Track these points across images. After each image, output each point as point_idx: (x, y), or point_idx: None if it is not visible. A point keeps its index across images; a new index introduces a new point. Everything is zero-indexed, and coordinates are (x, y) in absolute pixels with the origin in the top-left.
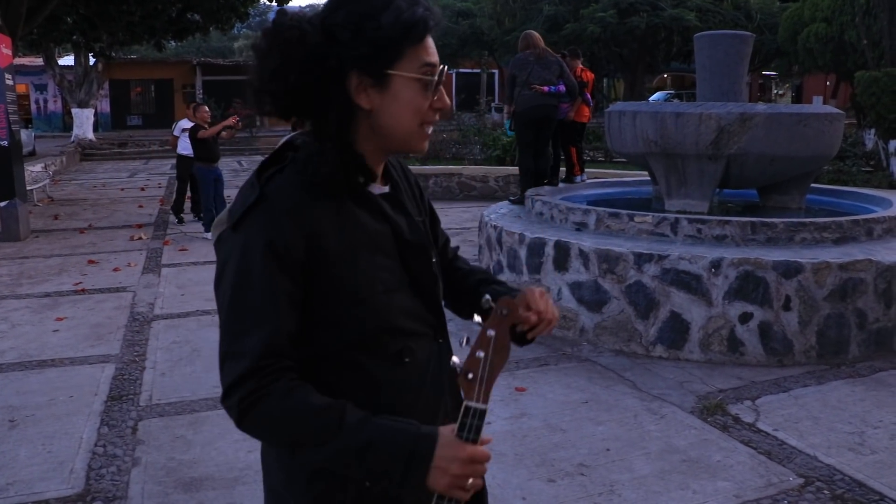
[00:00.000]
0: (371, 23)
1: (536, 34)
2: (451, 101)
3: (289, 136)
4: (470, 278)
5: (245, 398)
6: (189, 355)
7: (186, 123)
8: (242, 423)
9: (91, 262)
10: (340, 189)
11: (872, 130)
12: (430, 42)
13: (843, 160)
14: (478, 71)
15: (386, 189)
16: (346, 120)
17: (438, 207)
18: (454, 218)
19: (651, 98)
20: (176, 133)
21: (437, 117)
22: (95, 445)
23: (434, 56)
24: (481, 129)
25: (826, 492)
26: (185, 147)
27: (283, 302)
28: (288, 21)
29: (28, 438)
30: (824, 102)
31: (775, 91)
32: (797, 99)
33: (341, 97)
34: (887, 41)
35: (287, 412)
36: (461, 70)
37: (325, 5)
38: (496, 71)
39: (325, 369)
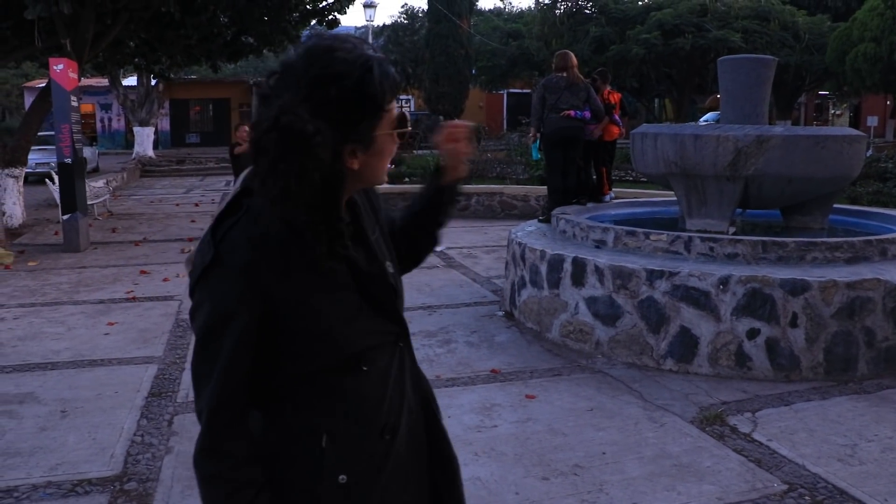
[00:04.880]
0: (363, 96)
1: (573, 56)
2: (503, 119)
3: (244, 177)
4: (407, 213)
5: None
6: None
7: None
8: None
9: (143, 272)
10: (326, 258)
11: None
12: None
13: (884, 181)
14: (528, 91)
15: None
16: (340, 187)
17: (479, 226)
18: (493, 236)
19: (702, 119)
20: None
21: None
22: (134, 435)
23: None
24: (525, 150)
25: (807, 497)
26: None
27: (239, 352)
28: (291, 121)
29: (76, 427)
30: (881, 122)
31: (833, 111)
32: (854, 119)
33: (339, 169)
34: None
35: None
36: (511, 90)
37: (309, 82)
38: None
39: (296, 387)
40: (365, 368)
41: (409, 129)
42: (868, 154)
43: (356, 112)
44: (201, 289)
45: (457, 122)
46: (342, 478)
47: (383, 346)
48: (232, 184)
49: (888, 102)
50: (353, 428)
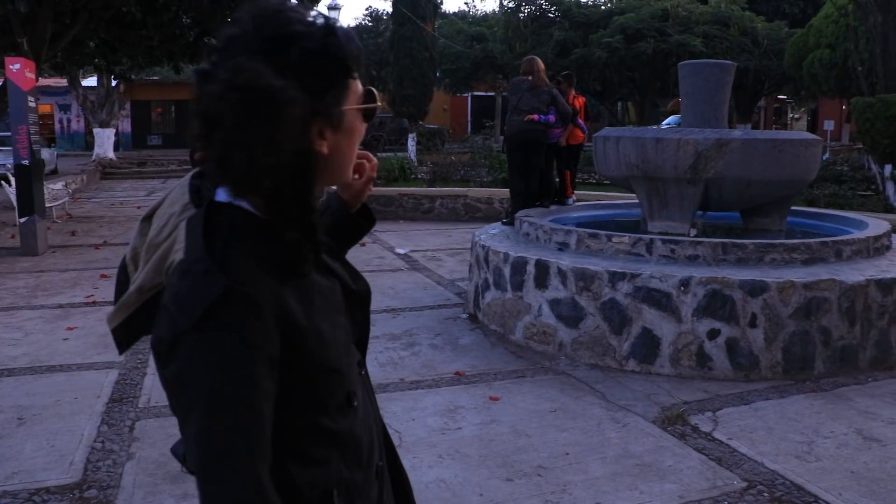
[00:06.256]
0: (330, 58)
1: (540, 62)
2: (467, 122)
3: (191, 178)
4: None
5: None
6: None
7: None
8: None
9: (104, 276)
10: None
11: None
12: None
13: (840, 184)
14: (492, 94)
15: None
16: (313, 178)
17: (443, 228)
18: (456, 238)
19: (664, 122)
20: None
21: None
22: (95, 441)
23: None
24: (488, 153)
25: (766, 494)
26: None
27: (266, 411)
28: (251, 77)
29: (34, 434)
30: (837, 126)
31: (791, 115)
32: (812, 123)
33: (309, 149)
34: (880, 68)
35: None
36: (475, 93)
37: (263, 44)
38: None
39: (295, 439)
40: (355, 404)
41: (378, 104)
42: (824, 157)
43: (323, 77)
44: (205, 334)
45: (366, 154)
46: None
47: (356, 377)
48: None
49: (843, 107)
50: (358, 475)
